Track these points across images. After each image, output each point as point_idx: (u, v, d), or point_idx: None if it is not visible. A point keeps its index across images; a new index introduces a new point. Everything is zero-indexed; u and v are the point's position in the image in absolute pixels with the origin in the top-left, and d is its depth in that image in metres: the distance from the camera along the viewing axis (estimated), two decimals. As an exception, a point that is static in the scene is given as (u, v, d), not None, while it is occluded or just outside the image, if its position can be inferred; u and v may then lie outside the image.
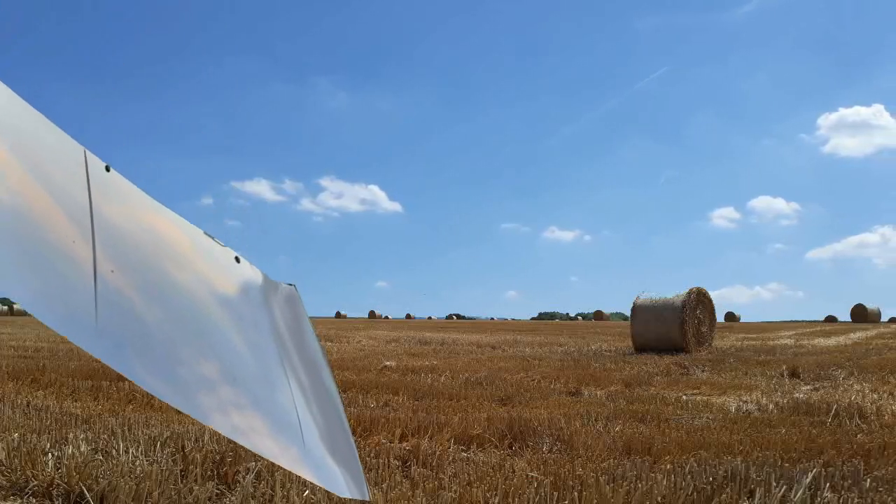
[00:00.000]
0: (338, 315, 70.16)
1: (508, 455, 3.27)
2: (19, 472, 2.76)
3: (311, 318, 1.01)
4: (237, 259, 0.91)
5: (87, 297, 0.66)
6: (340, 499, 2.52)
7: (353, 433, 3.63)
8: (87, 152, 0.78)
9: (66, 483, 2.61)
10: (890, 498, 2.59)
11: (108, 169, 0.79)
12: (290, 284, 0.98)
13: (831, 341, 15.00)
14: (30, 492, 2.63)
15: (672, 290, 11.86)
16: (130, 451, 3.03)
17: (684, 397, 5.42)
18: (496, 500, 2.43)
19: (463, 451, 3.39)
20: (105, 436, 3.38)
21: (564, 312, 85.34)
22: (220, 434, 3.53)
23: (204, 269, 0.84)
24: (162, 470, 2.66)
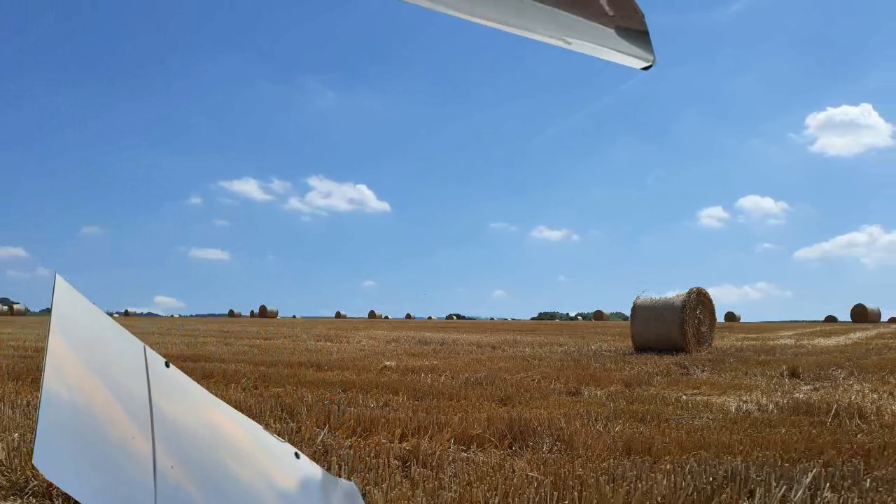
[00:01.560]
0: (338, 315, 70.15)
1: (508, 455, 3.27)
2: (19, 472, 2.76)
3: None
4: (297, 455, 0.91)
5: (147, 492, 0.67)
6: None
7: (353, 433, 3.64)
8: (147, 348, 0.80)
9: (65, 483, 2.61)
10: (890, 498, 2.59)
11: (167, 365, 0.80)
12: (350, 480, 0.99)
13: (831, 341, 15.00)
14: (30, 492, 2.63)
15: (665, 289, 11.86)
16: (130, 451, 3.03)
17: (684, 397, 5.42)
18: (496, 500, 2.43)
19: (463, 451, 3.39)
20: (105, 436, 3.38)
21: (564, 312, 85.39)
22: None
23: (264, 465, 0.85)
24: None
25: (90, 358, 0.72)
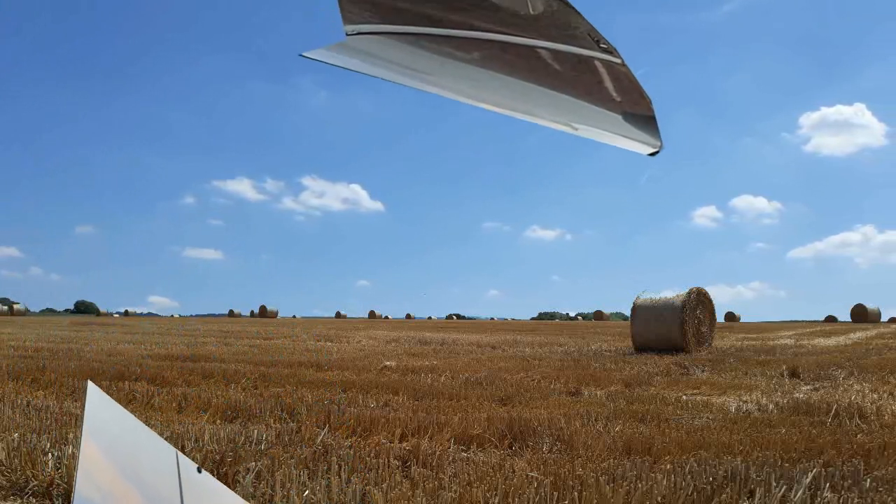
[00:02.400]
0: (338, 315, 70.13)
1: (508, 455, 3.27)
2: (19, 472, 2.76)
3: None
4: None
5: None
6: (340, 498, 2.53)
7: (353, 433, 3.64)
8: (179, 454, 0.80)
9: (66, 483, 2.61)
10: (890, 498, 2.59)
11: (199, 470, 0.81)
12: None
13: (831, 341, 15.00)
14: (30, 492, 2.63)
15: (663, 289, 11.86)
16: (130, 451, 3.03)
17: (684, 397, 5.42)
18: (496, 500, 2.43)
19: (463, 451, 3.39)
20: (105, 436, 3.37)
21: (564, 312, 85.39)
22: (220, 434, 3.53)
23: None
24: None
25: (122, 463, 0.74)
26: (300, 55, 0.89)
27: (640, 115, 0.83)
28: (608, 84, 0.83)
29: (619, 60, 0.83)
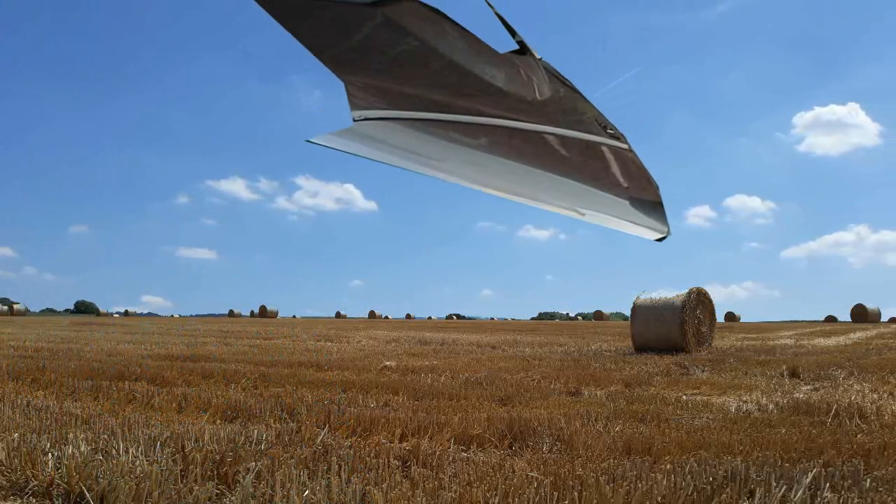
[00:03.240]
0: (338, 315, 70.13)
1: (508, 455, 3.27)
2: (19, 472, 2.76)
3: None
4: None
5: None
6: (340, 498, 2.52)
7: (353, 433, 3.63)
8: None
9: (66, 483, 2.61)
10: (890, 498, 2.59)
11: None
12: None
13: (831, 341, 15.00)
14: (30, 492, 2.63)
15: (663, 289, 11.86)
16: (130, 451, 3.03)
17: (684, 397, 5.42)
18: (496, 500, 2.43)
19: (463, 451, 3.39)
20: (105, 436, 3.37)
21: (564, 312, 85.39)
22: (220, 434, 3.52)
23: None
24: (162, 470, 2.66)
25: None
26: (307, 141, 0.91)
27: (647, 201, 0.84)
28: (615, 169, 0.84)
29: (626, 146, 0.84)
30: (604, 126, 0.84)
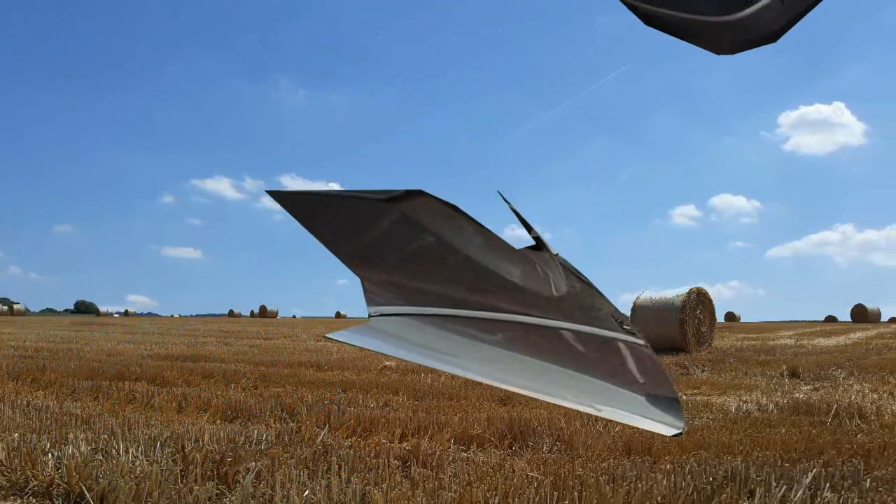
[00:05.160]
0: (338, 315, 70.12)
1: (508, 455, 3.27)
2: (19, 472, 2.76)
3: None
4: None
5: None
6: (340, 498, 2.52)
7: (353, 433, 3.63)
8: None
9: (66, 483, 2.61)
10: (890, 498, 2.59)
11: None
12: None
13: (831, 341, 15.00)
14: (30, 492, 2.63)
15: (663, 289, 11.86)
16: (130, 451, 3.03)
17: (684, 397, 5.42)
18: (496, 500, 2.43)
19: (463, 451, 3.38)
20: (105, 436, 3.37)
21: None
22: (220, 434, 3.52)
23: None
24: (162, 470, 2.66)
25: None
26: (325, 336, 0.93)
27: (664, 397, 0.85)
28: (631, 365, 0.86)
29: (642, 342, 0.85)
30: (620, 322, 0.87)
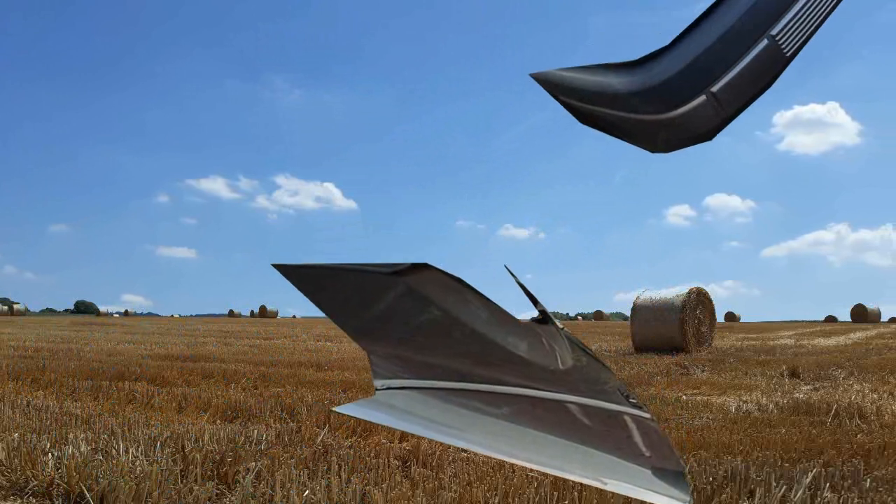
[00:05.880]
0: (338, 315, 69.92)
1: (508, 455, 3.27)
2: (19, 472, 2.76)
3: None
4: None
5: None
6: (340, 498, 2.52)
7: (354, 433, 3.62)
8: None
9: (66, 483, 2.61)
10: (890, 498, 2.59)
11: None
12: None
13: (831, 341, 15.00)
14: (30, 492, 2.63)
15: (663, 289, 11.86)
16: (130, 451, 3.03)
17: (684, 397, 5.42)
18: (496, 500, 2.43)
19: (463, 450, 3.38)
20: (105, 436, 3.38)
21: (564, 312, 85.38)
22: (220, 434, 3.51)
23: None
24: (162, 470, 2.66)
25: None
26: (332, 409, 0.94)
27: (670, 471, 0.86)
28: (637, 438, 0.86)
29: (648, 415, 0.86)
30: (626, 395, 0.88)
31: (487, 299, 0.84)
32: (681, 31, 0.87)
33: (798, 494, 2.54)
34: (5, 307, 52.02)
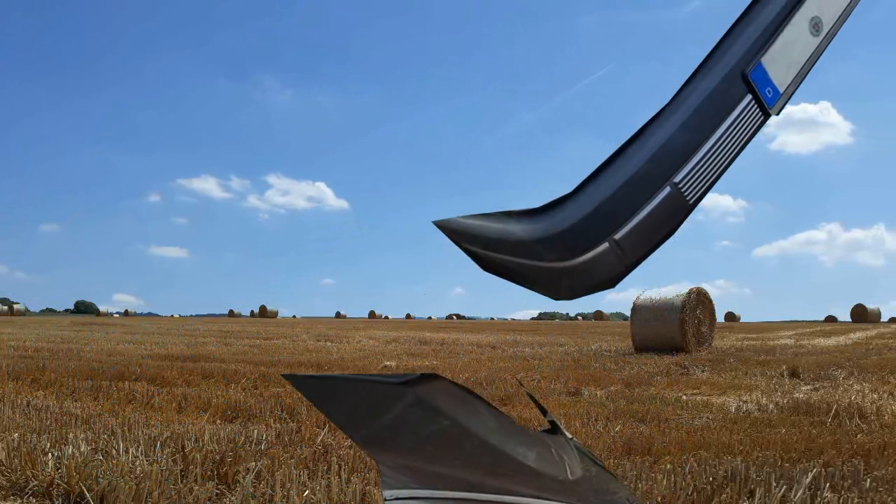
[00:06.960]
0: (337, 315, 70.15)
1: (508, 455, 3.27)
2: (19, 472, 2.76)
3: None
4: None
5: None
6: (340, 498, 2.52)
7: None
8: None
9: (66, 483, 2.61)
10: (890, 498, 2.59)
11: None
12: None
13: (831, 341, 15.00)
14: (30, 492, 2.63)
15: (664, 289, 11.86)
16: (130, 451, 3.03)
17: (684, 397, 5.42)
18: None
19: None
20: (105, 436, 3.38)
21: (564, 312, 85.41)
22: (220, 434, 3.52)
23: None
24: (162, 470, 2.66)
25: None
26: None
27: None
28: None
29: None
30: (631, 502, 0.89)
31: (496, 409, 0.85)
32: (588, 174, 0.87)
33: (798, 494, 2.54)
34: (5, 307, 52.04)
